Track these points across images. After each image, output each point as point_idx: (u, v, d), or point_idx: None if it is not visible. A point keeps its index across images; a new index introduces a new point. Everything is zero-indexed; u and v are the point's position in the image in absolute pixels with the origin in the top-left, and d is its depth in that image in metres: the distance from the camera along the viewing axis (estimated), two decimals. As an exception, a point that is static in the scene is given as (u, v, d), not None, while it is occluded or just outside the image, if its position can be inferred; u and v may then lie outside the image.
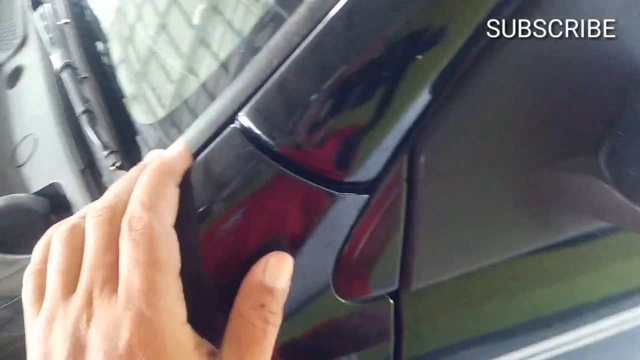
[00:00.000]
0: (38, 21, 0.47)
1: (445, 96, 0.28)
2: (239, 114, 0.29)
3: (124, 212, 0.26)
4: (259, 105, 0.29)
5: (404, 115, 0.29)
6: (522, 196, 0.33)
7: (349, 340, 0.34)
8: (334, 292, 0.32)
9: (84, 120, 0.39)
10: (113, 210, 0.26)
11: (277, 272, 0.26)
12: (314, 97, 0.28)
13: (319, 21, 0.30)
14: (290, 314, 0.30)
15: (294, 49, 0.30)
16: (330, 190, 0.28)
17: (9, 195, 0.41)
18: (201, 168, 0.29)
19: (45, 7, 0.50)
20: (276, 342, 0.26)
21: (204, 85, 0.40)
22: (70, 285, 0.25)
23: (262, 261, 0.26)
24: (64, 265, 0.25)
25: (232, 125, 0.29)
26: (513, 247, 0.35)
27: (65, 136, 0.43)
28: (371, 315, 0.34)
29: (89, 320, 0.23)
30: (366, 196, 0.29)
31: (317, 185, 0.28)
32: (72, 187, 0.39)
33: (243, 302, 0.25)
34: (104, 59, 0.48)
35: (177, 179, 0.28)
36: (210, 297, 0.28)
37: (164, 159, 0.29)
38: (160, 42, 0.48)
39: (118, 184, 0.28)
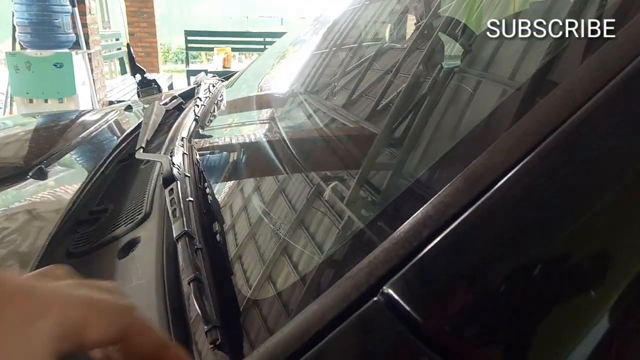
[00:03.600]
0: (167, 196, 0.49)
1: None
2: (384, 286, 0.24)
3: None
4: (411, 278, 0.23)
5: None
6: None
7: None
8: None
9: (190, 289, 0.35)
10: None
11: None
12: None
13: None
14: None
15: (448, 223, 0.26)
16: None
17: None
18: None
19: (175, 185, 0.52)
20: None
21: (324, 264, 0.36)
22: None
23: None
24: None
25: (374, 299, 0.24)
26: None
27: (164, 307, 0.39)
28: None
29: None
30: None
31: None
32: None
33: None
34: (219, 236, 0.47)
35: None
36: None
37: None
38: (266, 229, 0.47)
39: None
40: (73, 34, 3.52)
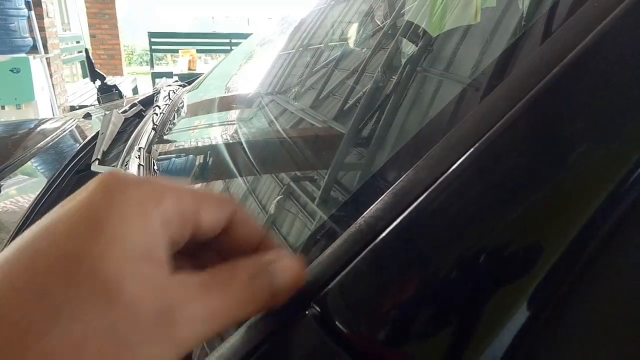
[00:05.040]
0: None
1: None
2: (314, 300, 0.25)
3: None
4: (339, 290, 0.25)
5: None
6: None
7: None
8: None
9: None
10: None
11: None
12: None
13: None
14: None
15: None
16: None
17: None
18: None
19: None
20: None
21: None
22: None
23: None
24: None
25: (304, 313, 0.25)
26: None
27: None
28: None
29: None
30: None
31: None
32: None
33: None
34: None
35: None
36: None
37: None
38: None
39: None
40: (30, 38, 3.42)
